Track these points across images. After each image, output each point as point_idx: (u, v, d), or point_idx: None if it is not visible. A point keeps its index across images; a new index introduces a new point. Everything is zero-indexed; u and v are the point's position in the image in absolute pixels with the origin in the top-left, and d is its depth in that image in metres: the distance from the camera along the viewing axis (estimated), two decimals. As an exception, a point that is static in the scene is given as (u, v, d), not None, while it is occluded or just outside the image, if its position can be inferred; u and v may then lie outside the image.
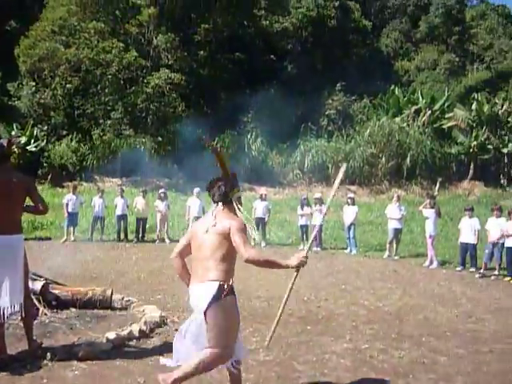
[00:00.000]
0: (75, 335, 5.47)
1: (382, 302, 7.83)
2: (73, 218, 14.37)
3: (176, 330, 5.81)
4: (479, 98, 28.04)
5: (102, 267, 10.14)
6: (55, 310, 6.24)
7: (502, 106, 27.10)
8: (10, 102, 28.13)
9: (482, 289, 9.36)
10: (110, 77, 25.30)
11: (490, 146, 25.83)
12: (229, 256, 3.78)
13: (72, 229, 14.40)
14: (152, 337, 5.61)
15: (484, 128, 26.19)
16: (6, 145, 4.69)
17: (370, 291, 8.64)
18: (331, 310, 7.28)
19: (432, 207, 12.23)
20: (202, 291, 3.74)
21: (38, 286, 6.23)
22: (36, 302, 5.95)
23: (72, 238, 14.25)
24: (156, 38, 26.41)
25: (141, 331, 5.52)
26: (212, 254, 3.73)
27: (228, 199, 3.88)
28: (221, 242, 3.72)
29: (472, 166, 26.10)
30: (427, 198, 13.10)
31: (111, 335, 5.19)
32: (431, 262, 11.81)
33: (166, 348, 5.28)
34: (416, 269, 11.44)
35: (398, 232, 13.06)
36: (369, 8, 42.87)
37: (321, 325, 6.46)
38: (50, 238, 14.33)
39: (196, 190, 15.39)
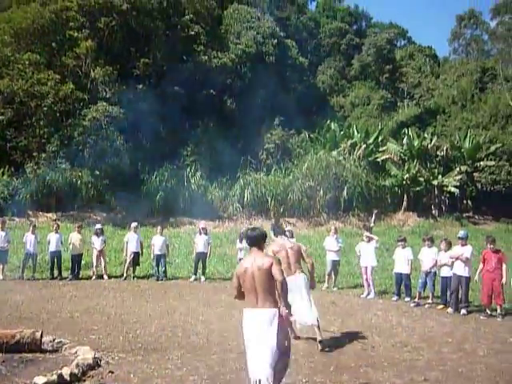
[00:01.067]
0: (0, 382, 5.15)
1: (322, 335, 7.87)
2: (2, 255, 13.69)
3: (110, 371, 5.61)
4: (410, 133, 29.39)
5: (33, 307, 9.67)
6: (-21, 356, 5.87)
7: (431, 141, 28.47)
8: None
9: (417, 318, 9.61)
10: (45, 109, 24.66)
11: (421, 179, 26.95)
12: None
13: (1, 266, 13.71)
14: (84, 380, 5.37)
15: (415, 161, 27.37)
16: None
17: (308, 324, 8.65)
18: (271, 344, 7.22)
19: (370, 240, 12.52)
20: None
21: (-40, 329, 5.86)
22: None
23: (0, 277, 13.55)
24: (94, 70, 26.08)
25: (72, 374, 5.28)
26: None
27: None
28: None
29: (405, 198, 27.09)
30: (364, 229, 13.46)
31: (40, 380, 4.92)
32: (369, 293, 12.04)
33: (99, 391, 5.08)
34: (354, 300, 11.63)
35: (336, 263, 13.30)
36: (305, 46, 44.38)
37: (260, 360, 6.39)
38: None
39: (133, 224, 15.14)
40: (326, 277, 13.36)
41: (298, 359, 6.47)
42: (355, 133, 29.60)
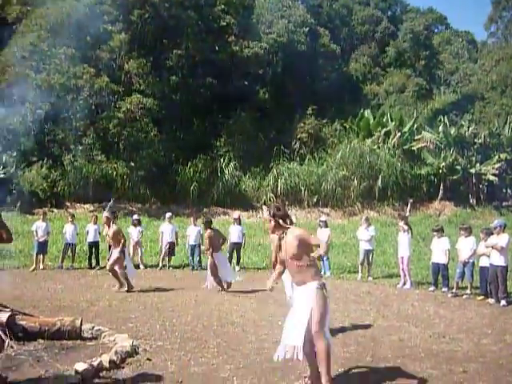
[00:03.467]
0: (43, 368, 5.28)
1: (357, 325, 7.82)
2: (42, 246, 14.06)
3: (148, 359, 5.71)
4: (446, 121, 28.73)
5: (73, 296, 9.89)
6: (22, 342, 6.04)
7: (469, 128, 27.79)
8: (-22, 129, 27.67)
9: (455, 308, 9.44)
10: (81, 102, 25.11)
11: (458, 167, 26.37)
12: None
13: (41, 256, 14.08)
14: (123, 367, 5.46)
15: (452, 149, 26.78)
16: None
17: (344, 313, 8.62)
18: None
19: (405, 230, 12.32)
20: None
21: (3, 317, 6.04)
22: (1, 334, 5.75)
23: (41, 266, 13.93)
24: (127, 63, 26.40)
25: (111, 362, 5.38)
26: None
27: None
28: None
29: (442, 187, 26.57)
30: (399, 219, 13.25)
31: (80, 367, 5.03)
32: (405, 283, 11.88)
33: (138, 378, 5.17)
34: (389, 290, 11.49)
35: (368, 253, 13.16)
36: (338, 33, 43.81)
37: (295, 349, 6.39)
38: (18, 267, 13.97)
39: (168, 214, 15.34)
40: (360, 266, 13.25)
41: (334, 349, 6.42)
42: (389, 121, 29.13)
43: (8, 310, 6.32)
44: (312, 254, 5.05)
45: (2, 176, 23.26)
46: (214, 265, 10.62)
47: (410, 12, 49.07)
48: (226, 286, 10.77)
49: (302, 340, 4.81)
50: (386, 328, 7.66)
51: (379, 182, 25.23)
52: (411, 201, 23.93)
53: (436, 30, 48.24)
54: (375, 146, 26.87)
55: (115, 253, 10.69)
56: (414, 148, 27.94)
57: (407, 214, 21.63)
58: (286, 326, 5.05)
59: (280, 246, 5.17)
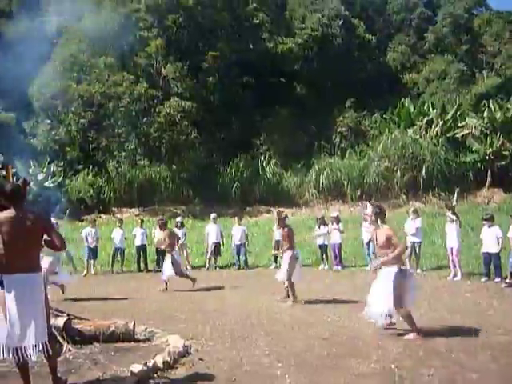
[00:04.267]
0: (100, 370, 5.45)
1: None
2: (93, 251, 14.47)
3: (200, 359, 5.80)
4: (491, 105, 27.81)
5: (124, 299, 10.15)
6: (79, 346, 6.23)
7: (515, 111, 26.84)
8: (26, 141, 28.69)
9: (509, 299, 9.17)
10: (122, 109, 25.71)
11: (505, 152, 25.48)
12: None
13: (92, 262, 14.50)
14: (177, 367, 5.56)
15: (498, 134, 25.90)
16: (21, 185, 4.78)
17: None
18: (356, 329, 7.16)
19: (453, 221, 12.03)
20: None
21: (60, 322, 6.26)
22: (59, 339, 5.96)
23: (92, 271, 14.33)
24: (165, 68, 26.84)
25: (165, 362, 5.48)
26: None
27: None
28: None
29: (489, 174, 25.75)
30: (447, 209, 12.96)
31: (136, 368, 5.15)
32: (455, 274, 11.62)
33: (192, 378, 5.26)
34: (439, 282, 11.27)
35: (415, 245, 12.92)
36: (372, 24, 43.08)
37: (346, 346, 6.35)
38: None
39: (212, 215, 15.49)
40: (408, 259, 13.01)
41: (385, 344, 6.36)
42: (431, 109, 28.42)
43: (64, 314, 6.55)
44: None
45: (51, 185, 24.04)
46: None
47: (446, -4, 47.73)
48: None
49: (387, 308, 6.59)
50: (437, 321, 7.51)
51: (423, 172, 24.69)
52: (458, 190, 23.26)
53: (475, 13, 46.73)
54: (417, 136, 26.31)
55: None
56: (458, 135, 27.17)
57: (454, 203, 21.02)
58: (372, 296, 6.82)
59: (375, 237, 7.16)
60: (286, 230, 9.68)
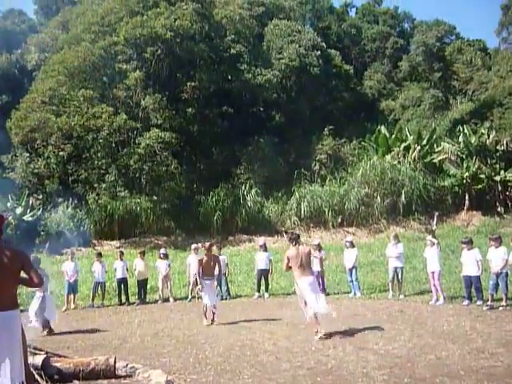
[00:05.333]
0: (80, 409, 5.31)
1: (392, 345, 7.68)
2: (72, 286, 14.20)
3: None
4: (465, 130, 28.47)
5: (105, 334, 9.95)
6: (58, 384, 6.08)
7: (489, 136, 27.46)
8: (4, 174, 28.39)
9: (492, 322, 9.21)
10: (101, 141, 25.66)
11: (482, 176, 25.97)
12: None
13: (72, 296, 14.22)
14: (159, 403, 5.45)
15: (474, 158, 26.43)
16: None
17: (377, 334, 8.48)
18: (340, 357, 7.12)
19: (433, 244, 12.14)
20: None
21: (38, 360, 6.10)
22: (38, 378, 5.80)
23: (72, 306, 14.05)
24: (144, 99, 26.95)
25: (147, 399, 5.37)
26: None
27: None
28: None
29: (467, 197, 26.16)
30: (427, 233, 13.09)
31: (117, 406, 5.04)
32: (437, 299, 11.66)
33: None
34: (422, 307, 11.28)
35: (398, 270, 12.96)
36: (349, 53, 44.12)
37: (331, 375, 6.31)
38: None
39: (193, 246, 15.38)
40: (390, 284, 13.05)
41: (370, 372, 6.33)
42: (408, 135, 28.96)
43: (43, 352, 6.39)
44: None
45: (30, 219, 23.72)
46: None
47: (419, 26, 49.14)
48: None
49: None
50: (422, 347, 7.51)
51: (403, 197, 24.98)
52: (437, 214, 23.59)
53: (447, 41, 48.15)
54: (395, 162, 26.70)
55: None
56: (436, 160, 27.67)
57: (434, 227, 21.35)
58: (311, 299, 8.52)
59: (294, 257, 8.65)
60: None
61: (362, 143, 30.59)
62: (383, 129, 30.13)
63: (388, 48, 45.35)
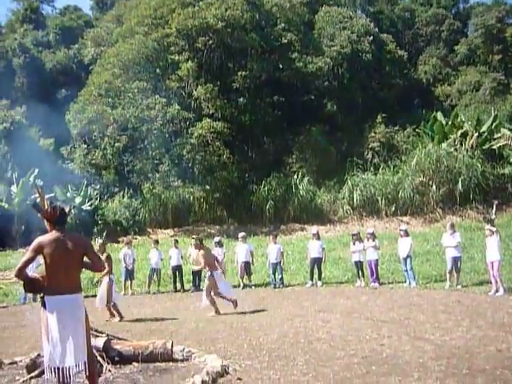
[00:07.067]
0: (140, 390, 5.49)
1: (449, 336, 7.51)
2: (130, 272, 14.66)
3: (239, 378, 5.79)
4: (528, 115, 27.24)
5: (161, 319, 10.22)
6: (118, 366, 6.31)
7: (553, 121, 26.19)
8: (64, 165, 29.52)
9: (556, 314, 8.84)
10: (155, 132, 26.16)
11: (544, 163, 24.83)
12: None
13: (129, 283, 14.67)
14: (215, 387, 5.56)
15: (536, 144, 25.29)
16: (67, 210, 4.94)
17: (434, 325, 8.31)
18: (395, 347, 7.02)
19: (493, 233, 11.74)
20: None
21: (100, 342, 6.34)
22: (99, 359, 6.04)
23: (130, 292, 14.49)
24: (196, 89, 27.22)
25: (203, 382, 5.49)
26: None
27: None
28: None
29: (529, 185, 25.07)
30: (485, 222, 12.66)
31: (175, 388, 5.18)
32: (497, 290, 11.28)
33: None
34: (481, 298, 10.95)
35: (456, 260, 12.64)
36: (402, 38, 42.88)
37: (386, 364, 6.24)
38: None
39: (241, 234, 15.54)
40: (448, 275, 12.73)
41: (426, 362, 6.22)
42: (465, 122, 27.96)
43: (104, 335, 6.64)
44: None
45: (88, 208, 24.57)
46: (214, 284, 10.56)
47: (477, 7, 47.10)
48: (233, 304, 10.63)
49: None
50: (480, 338, 7.30)
51: (459, 185, 24.21)
52: (496, 202, 22.74)
53: (509, 22, 45.91)
54: (452, 149, 25.86)
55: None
56: (495, 147, 26.60)
57: (493, 216, 20.58)
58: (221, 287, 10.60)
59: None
60: (201, 251, 10.81)
61: (417, 130, 29.78)
62: (439, 115, 29.20)
63: (444, 31, 43.75)
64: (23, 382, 5.87)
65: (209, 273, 10.71)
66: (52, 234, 4.72)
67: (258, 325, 9.06)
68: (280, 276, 14.45)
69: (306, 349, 7.12)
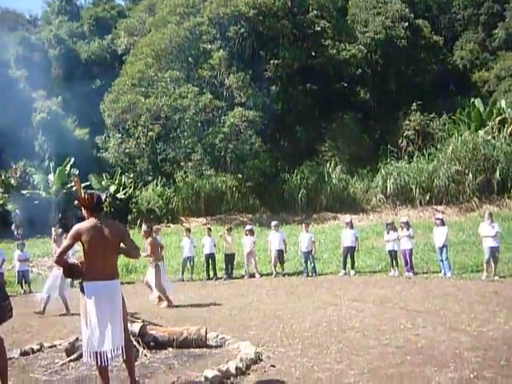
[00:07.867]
0: (174, 375, 5.58)
1: (486, 327, 7.36)
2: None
3: (272, 365, 5.82)
4: None
5: (195, 306, 10.34)
6: (154, 351, 6.43)
7: None
8: (98, 154, 30.06)
9: None
10: (188, 120, 26.34)
11: None
12: None
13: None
14: (249, 373, 5.60)
15: None
16: (104, 197, 5.03)
17: (470, 315, 8.16)
18: (431, 337, 6.93)
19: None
20: None
21: (136, 328, 6.46)
22: (136, 344, 6.16)
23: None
24: (228, 78, 27.26)
25: (237, 368, 5.53)
26: None
27: None
28: None
29: None
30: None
31: (209, 373, 5.24)
32: (536, 280, 11.00)
33: (264, 385, 5.28)
34: (519, 288, 10.70)
35: (494, 250, 12.36)
36: (438, 23, 41.83)
37: (421, 354, 6.16)
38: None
39: (273, 223, 15.55)
40: (485, 265, 12.47)
41: (462, 353, 6.11)
42: (504, 108, 27.16)
43: (140, 321, 6.76)
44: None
45: (122, 197, 24.98)
46: (159, 275, 10.40)
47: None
48: (168, 302, 10.42)
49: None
50: (519, 329, 7.14)
51: (497, 174, 23.59)
52: (536, 192, 22.11)
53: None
54: (489, 137, 25.20)
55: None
56: (535, 134, 25.79)
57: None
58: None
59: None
60: (149, 239, 10.58)
61: (453, 118, 29.10)
62: (477, 101, 28.43)
63: (482, 15, 42.47)
64: (62, 364, 6.04)
65: (154, 263, 10.47)
66: (89, 221, 4.81)
67: (290, 313, 9.08)
68: (312, 265, 14.43)
69: (339, 337, 7.09)
